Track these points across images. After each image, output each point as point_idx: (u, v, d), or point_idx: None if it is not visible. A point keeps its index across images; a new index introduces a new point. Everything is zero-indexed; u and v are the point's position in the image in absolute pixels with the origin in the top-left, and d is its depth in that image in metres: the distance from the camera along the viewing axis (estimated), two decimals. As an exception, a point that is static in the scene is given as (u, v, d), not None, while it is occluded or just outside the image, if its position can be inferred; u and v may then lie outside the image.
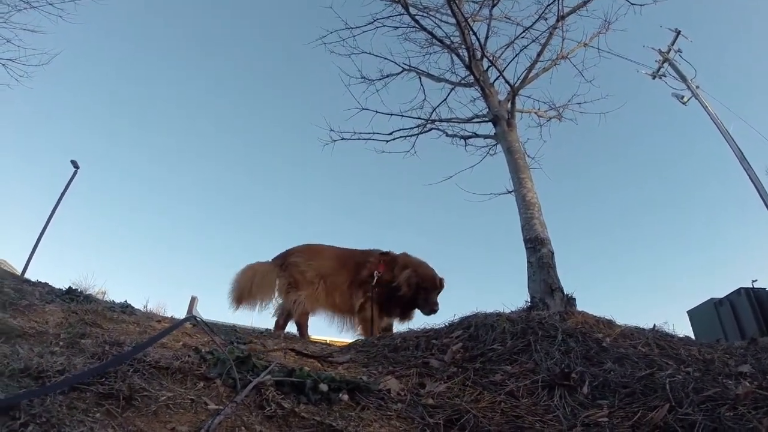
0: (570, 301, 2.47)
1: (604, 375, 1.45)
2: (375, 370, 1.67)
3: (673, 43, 10.49)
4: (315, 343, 2.13)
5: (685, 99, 10.23)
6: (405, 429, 1.22)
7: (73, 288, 1.76)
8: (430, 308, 2.85)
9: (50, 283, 1.91)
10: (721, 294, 7.59)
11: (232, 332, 1.90)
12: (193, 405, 1.17)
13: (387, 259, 2.98)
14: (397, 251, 3.08)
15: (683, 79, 10.24)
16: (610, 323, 1.92)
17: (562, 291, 2.55)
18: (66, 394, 1.06)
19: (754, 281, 7.38)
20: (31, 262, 9.72)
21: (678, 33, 10.41)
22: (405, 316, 2.96)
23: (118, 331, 1.51)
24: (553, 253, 2.82)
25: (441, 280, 2.95)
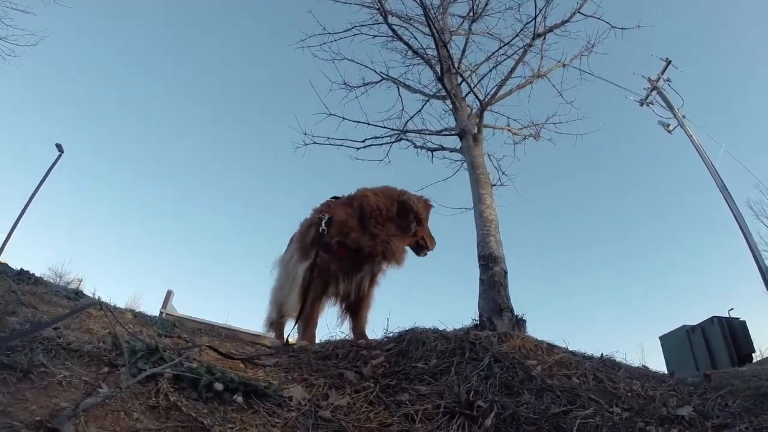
0: (519, 322, 2.49)
1: (515, 408, 1.48)
2: (292, 376, 1.81)
3: (663, 72, 11.66)
4: (255, 344, 2.30)
5: (671, 127, 11.36)
6: (282, 439, 1.35)
7: (25, 270, 2.06)
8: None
9: (10, 265, 2.25)
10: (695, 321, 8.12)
11: (170, 326, 2.13)
12: (85, 386, 1.38)
13: (340, 200, 2.57)
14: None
15: (670, 108, 11.40)
16: (550, 349, 1.93)
17: (511, 311, 2.58)
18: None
19: (730, 310, 8.32)
20: (8, 244, 10.84)
21: (668, 62, 11.52)
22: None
23: (49, 313, 1.77)
24: (506, 272, 2.90)
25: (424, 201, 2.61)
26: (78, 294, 2.17)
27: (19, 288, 1.85)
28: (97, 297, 2.31)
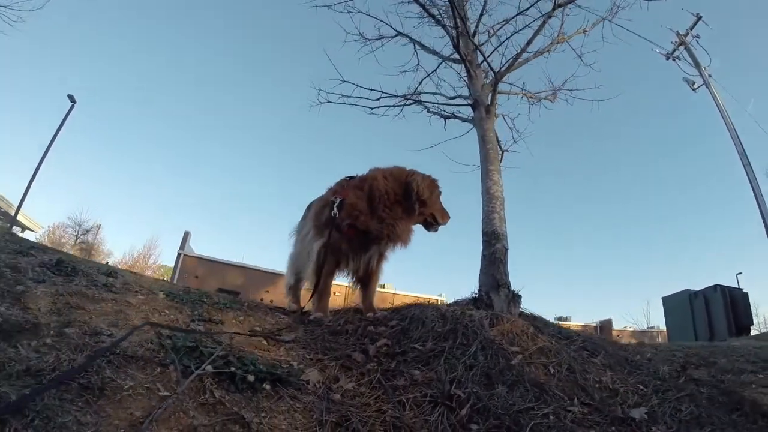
0: (515, 297, 2.75)
1: (488, 400, 1.82)
2: (309, 355, 2.21)
3: (692, 28, 11.24)
4: (275, 313, 2.68)
5: (696, 86, 11.34)
6: (301, 424, 1.77)
7: (62, 260, 2.32)
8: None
9: (45, 245, 2.48)
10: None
11: (199, 303, 2.47)
12: (148, 392, 1.77)
13: (353, 182, 2.72)
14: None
15: (697, 65, 11.31)
16: (535, 335, 2.19)
17: (508, 287, 2.84)
18: (57, 389, 1.68)
19: (738, 274, 8.70)
20: (28, 195, 11.43)
21: (699, 18, 11.01)
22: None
23: (98, 312, 2.09)
24: (506, 249, 3.11)
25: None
26: (111, 274, 2.46)
27: (63, 288, 2.14)
28: (126, 266, 2.60)
